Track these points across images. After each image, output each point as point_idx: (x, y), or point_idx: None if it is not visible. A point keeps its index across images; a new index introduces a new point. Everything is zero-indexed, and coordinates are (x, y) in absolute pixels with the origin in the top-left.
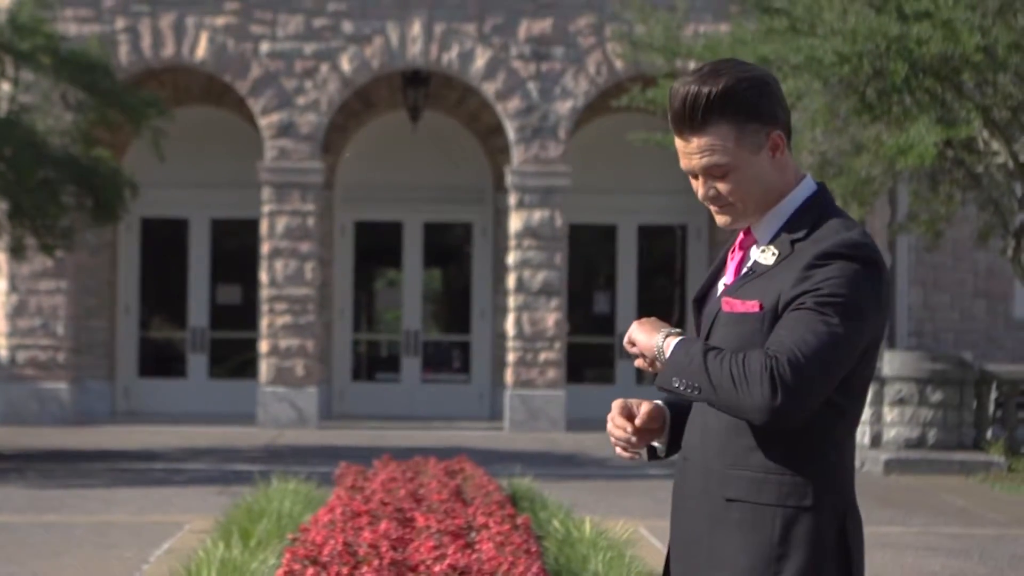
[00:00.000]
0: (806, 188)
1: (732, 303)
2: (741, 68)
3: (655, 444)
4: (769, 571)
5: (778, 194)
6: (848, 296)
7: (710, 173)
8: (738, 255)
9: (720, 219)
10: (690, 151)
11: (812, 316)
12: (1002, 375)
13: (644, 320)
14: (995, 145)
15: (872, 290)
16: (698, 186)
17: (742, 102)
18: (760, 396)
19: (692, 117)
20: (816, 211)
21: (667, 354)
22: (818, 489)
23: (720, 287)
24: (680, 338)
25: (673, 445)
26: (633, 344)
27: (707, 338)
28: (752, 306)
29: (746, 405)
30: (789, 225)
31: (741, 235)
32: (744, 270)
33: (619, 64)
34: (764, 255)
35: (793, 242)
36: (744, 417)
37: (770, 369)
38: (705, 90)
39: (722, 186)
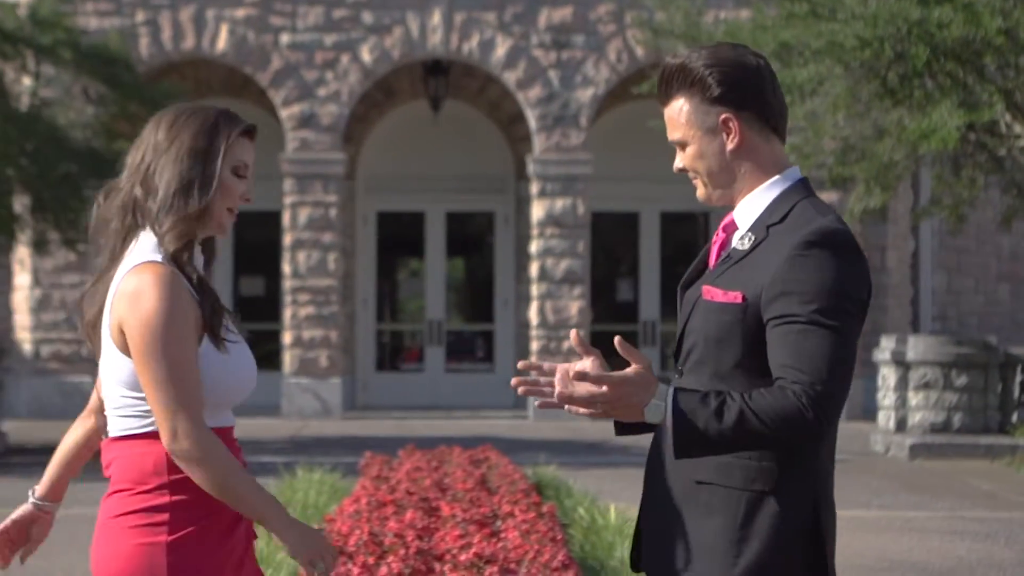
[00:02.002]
0: (787, 177)
1: (712, 291)
2: (723, 51)
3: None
4: (730, 554)
5: (747, 179)
6: (837, 291)
7: (675, 144)
8: (720, 238)
9: (697, 193)
10: (667, 122)
11: (812, 330)
12: None
13: (628, 377)
14: (1017, 128)
15: (855, 276)
16: None
17: (696, 80)
18: (802, 432)
19: (659, 89)
20: (793, 198)
21: (670, 426)
22: (786, 475)
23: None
24: (670, 402)
25: (629, 428)
26: (584, 379)
27: (686, 323)
28: (734, 297)
29: (786, 444)
30: (769, 212)
31: (727, 220)
32: (723, 256)
33: (640, 51)
34: (741, 242)
35: (768, 227)
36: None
37: (802, 409)
38: (671, 64)
39: (682, 158)
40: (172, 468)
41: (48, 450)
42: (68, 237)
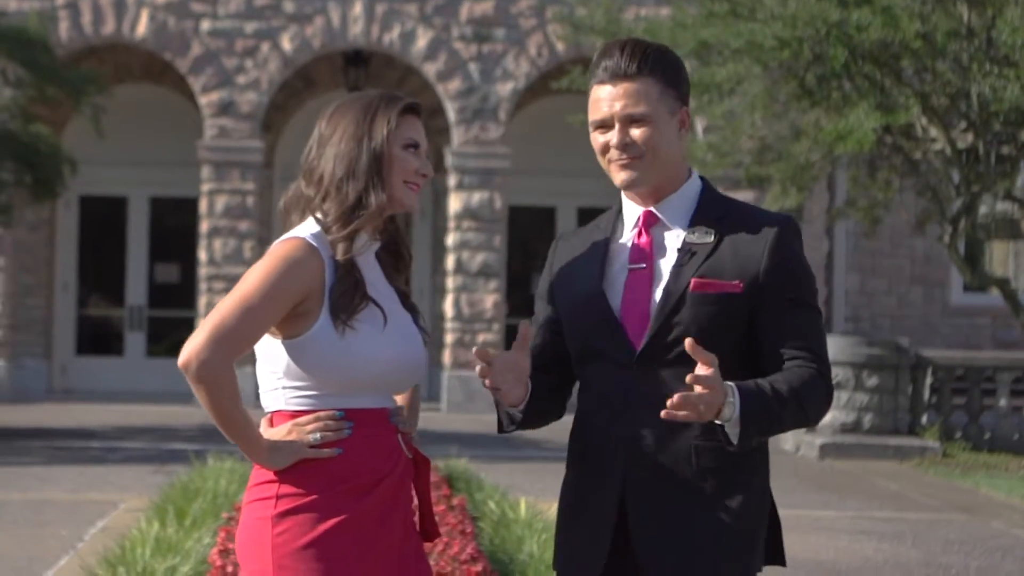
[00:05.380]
0: (698, 178)
1: (706, 283)
2: (666, 47)
3: (510, 410)
4: (748, 534)
5: (677, 173)
6: (811, 274)
7: (630, 119)
8: (645, 237)
9: (624, 175)
10: (615, 97)
11: (808, 311)
12: (938, 361)
13: (719, 379)
14: (933, 132)
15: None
16: (609, 136)
17: (670, 66)
18: (826, 407)
19: (628, 64)
20: (715, 195)
21: (738, 417)
22: (766, 455)
23: (623, 271)
24: (740, 399)
25: (527, 423)
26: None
27: (669, 317)
28: (735, 286)
29: (814, 422)
30: (705, 207)
31: (643, 214)
32: (675, 251)
33: (560, 46)
34: (697, 236)
35: (719, 220)
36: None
37: (825, 383)
38: (643, 44)
39: (637, 133)
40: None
41: None
42: None
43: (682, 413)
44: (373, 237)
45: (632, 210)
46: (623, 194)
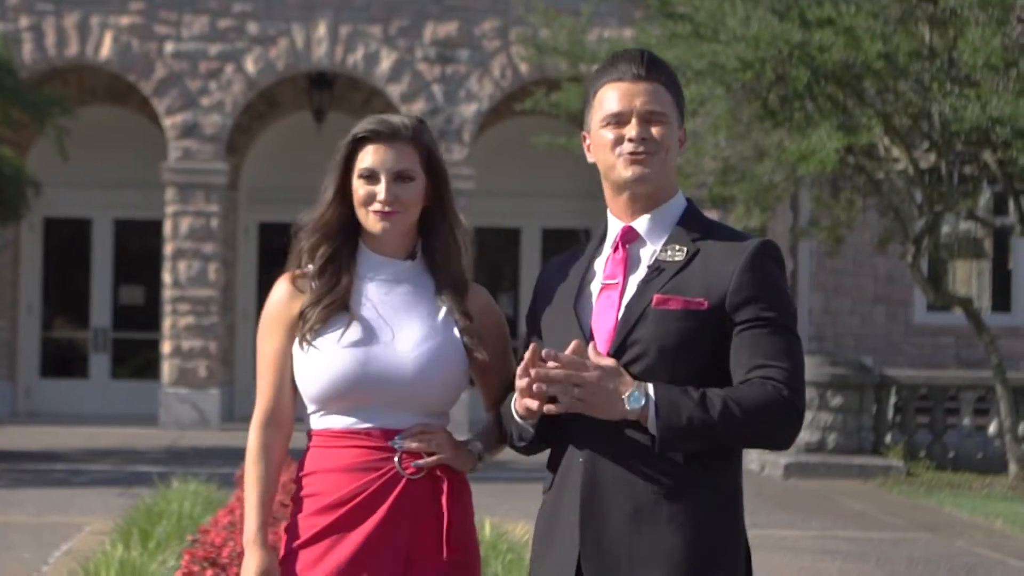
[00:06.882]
0: (683, 198)
1: (668, 299)
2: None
3: (523, 424)
4: (706, 567)
5: (670, 186)
6: (788, 298)
7: (650, 118)
8: (621, 253)
9: (634, 170)
10: (635, 93)
11: (780, 332)
12: (901, 380)
13: (609, 366)
14: (895, 152)
15: (788, 285)
16: (624, 130)
17: (677, 86)
18: (787, 429)
19: (648, 69)
20: (698, 215)
21: (653, 415)
22: (735, 474)
23: (596, 285)
24: (654, 399)
25: (535, 444)
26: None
27: (629, 334)
28: (699, 303)
29: (770, 441)
30: (684, 226)
31: (623, 230)
32: (645, 268)
33: (524, 68)
34: (669, 253)
35: (695, 240)
36: (760, 447)
37: (786, 401)
38: (659, 58)
39: (655, 130)
40: (300, 465)
41: None
42: None
43: (550, 407)
44: (390, 255)
45: (615, 226)
46: (608, 211)
